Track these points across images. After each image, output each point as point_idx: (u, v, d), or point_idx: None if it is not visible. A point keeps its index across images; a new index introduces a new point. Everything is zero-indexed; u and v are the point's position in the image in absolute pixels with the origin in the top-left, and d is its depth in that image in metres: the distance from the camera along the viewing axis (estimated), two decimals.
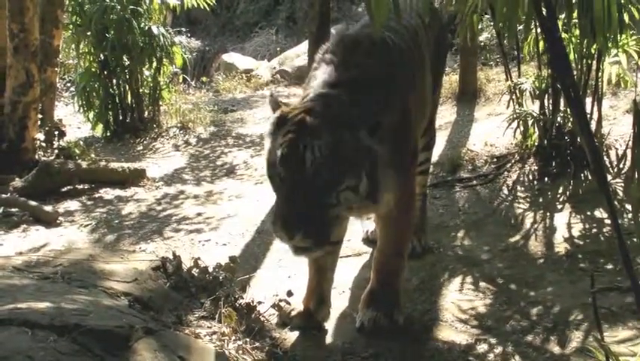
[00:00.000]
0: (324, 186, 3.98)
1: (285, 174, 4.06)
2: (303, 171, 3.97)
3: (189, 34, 15.60)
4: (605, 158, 7.53)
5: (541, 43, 7.66)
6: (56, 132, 10.59)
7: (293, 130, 4.06)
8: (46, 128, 10.42)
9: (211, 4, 12.53)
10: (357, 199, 4.12)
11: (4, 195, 8.48)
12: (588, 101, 7.48)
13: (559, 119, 7.68)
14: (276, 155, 4.09)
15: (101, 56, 12.11)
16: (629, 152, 7.11)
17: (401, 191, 4.72)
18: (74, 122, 12.91)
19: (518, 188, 7.66)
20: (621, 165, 7.40)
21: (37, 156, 9.85)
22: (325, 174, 3.97)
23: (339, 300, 5.44)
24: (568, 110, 7.37)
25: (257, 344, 4.35)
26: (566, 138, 7.70)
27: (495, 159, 8.49)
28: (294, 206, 3.94)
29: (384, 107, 4.36)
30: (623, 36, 7.44)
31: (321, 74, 4.64)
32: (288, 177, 4.05)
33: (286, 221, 3.94)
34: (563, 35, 6.80)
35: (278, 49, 18.44)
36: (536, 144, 7.97)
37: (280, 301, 5.10)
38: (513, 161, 8.22)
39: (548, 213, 6.91)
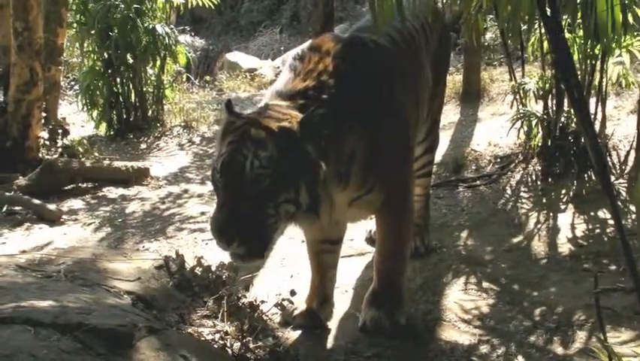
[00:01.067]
0: (262, 197, 3.96)
1: (224, 183, 4.04)
2: (242, 181, 3.96)
3: (193, 33, 15.63)
4: (609, 158, 7.53)
5: (545, 44, 7.65)
6: (60, 131, 10.61)
7: (236, 140, 4.05)
8: (50, 127, 10.43)
9: (215, 2, 12.55)
10: (298, 212, 4.11)
11: (7, 194, 8.49)
12: (592, 101, 7.48)
13: (562, 119, 7.68)
14: (217, 163, 4.09)
15: (105, 54, 12.14)
16: (632, 152, 7.12)
17: (394, 193, 4.74)
18: (78, 120, 12.92)
19: (522, 188, 7.66)
20: (625, 166, 7.39)
21: (40, 155, 9.85)
22: (264, 186, 3.96)
23: (342, 299, 5.44)
24: (572, 110, 7.37)
25: (260, 343, 4.35)
26: (570, 138, 7.70)
27: (499, 159, 8.48)
28: (230, 214, 3.92)
29: (342, 118, 4.35)
30: (627, 36, 7.44)
31: (279, 83, 4.67)
32: (226, 186, 4.03)
33: (221, 228, 3.94)
34: (567, 36, 6.80)
35: (282, 48, 18.42)
36: (540, 144, 7.96)
37: (283, 300, 5.09)
38: (517, 161, 8.22)
39: (552, 214, 6.90)
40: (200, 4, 12.52)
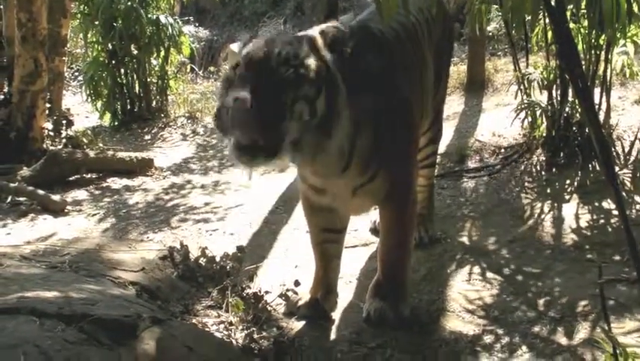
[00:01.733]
0: (283, 84, 3.92)
1: (247, 70, 3.97)
2: (266, 67, 3.94)
3: (197, 24, 15.62)
4: (613, 149, 7.52)
5: (549, 34, 7.64)
6: (64, 121, 10.61)
7: (271, 38, 4.12)
8: (54, 118, 10.44)
9: None
10: (313, 122, 4.00)
11: (12, 184, 8.49)
12: (597, 91, 7.46)
13: (567, 109, 7.66)
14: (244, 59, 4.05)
15: (109, 45, 12.16)
16: (637, 143, 7.11)
17: (398, 183, 4.73)
18: (82, 111, 12.93)
19: (526, 179, 7.65)
20: (629, 156, 7.39)
21: (45, 145, 9.87)
22: (286, 74, 3.94)
23: (347, 290, 5.44)
24: (576, 100, 7.35)
25: (264, 333, 4.36)
26: (574, 128, 7.68)
27: (503, 150, 8.47)
28: (251, 98, 3.81)
29: (352, 84, 4.33)
30: (632, 27, 7.43)
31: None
32: (249, 74, 3.94)
33: (241, 117, 3.77)
34: (572, 26, 6.79)
35: None
36: (544, 134, 7.94)
37: (287, 290, 5.10)
38: (521, 151, 8.20)
39: (556, 204, 6.89)
40: None
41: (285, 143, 3.92)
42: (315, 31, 4.30)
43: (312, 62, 4.06)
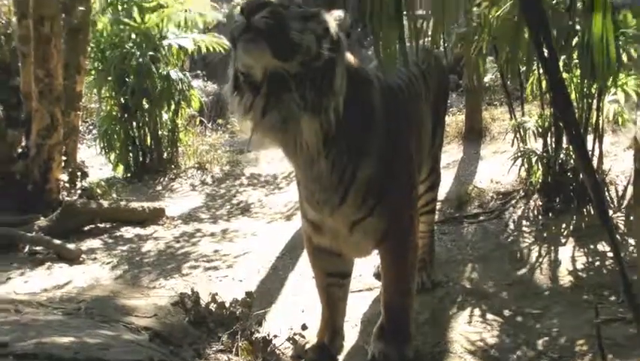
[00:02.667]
0: (293, 10, 3.96)
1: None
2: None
3: (206, 78, 15.69)
4: (607, 193, 7.53)
5: (543, 83, 7.68)
6: (79, 173, 10.64)
7: None
8: (70, 170, 10.47)
9: (226, 48, 12.59)
10: (315, 60, 3.95)
11: (29, 234, 8.50)
12: (589, 138, 7.49)
13: (562, 156, 7.69)
14: None
15: (122, 100, 12.21)
16: (630, 187, 7.11)
17: (396, 224, 4.69)
18: (96, 163, 12.96)
19: (523, 223, 7.66)
20: (622, 200, 7.39)
21: (61, 197, 9.88)
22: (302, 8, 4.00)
23: (352, 333, 5.43)
24: (570, 147, 7.38)
25: None
26: (569, 174, 7.71)
27: (501, 196, 8.48)
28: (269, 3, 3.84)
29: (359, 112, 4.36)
30: (622, 76, 7.48)
31: None
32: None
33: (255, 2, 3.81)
34: (565, 75, 6.82)
35: None
36: (540, 180, 7.97)
37: (295, 334, 5.09)
38: (518, 197, 8.22)
39: (553, 247, 6.89)
40: (211, 49, 12.58)
41: (290, 52, 3.89)
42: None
43: (321, 16, 4.08)
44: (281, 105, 4.01)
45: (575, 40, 6.19)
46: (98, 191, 10.54)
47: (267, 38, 3.79)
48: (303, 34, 3.90)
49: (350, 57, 4.50)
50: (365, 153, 4.43)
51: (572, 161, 7.60)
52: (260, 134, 4.16)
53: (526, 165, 8.10)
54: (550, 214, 7.65)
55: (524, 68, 6.93)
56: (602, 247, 6.61)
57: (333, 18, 4.18)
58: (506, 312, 5.69)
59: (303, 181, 4.58)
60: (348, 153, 4.36)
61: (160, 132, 12.64)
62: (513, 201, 8.18)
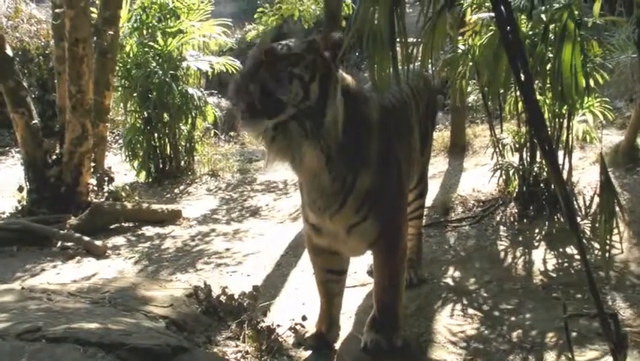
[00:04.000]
0: (283, 63, 4.00)
1: (253, 53, 4.10)
2: (270, 51, 4.01)
3: (220, 95, 15.66)
4: (575, 202, 7.52)
5: (520, 104, 7.68)
6: (106, 178, 10.64)
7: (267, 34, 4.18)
8: (98, 175, 10.47)
9: (238, 69, 12.59)
10: (305, 102, 4.03)
11: (61, 231, 8.52)
12: (560, 153, 7.48)
13: (535, 169, 7.69)
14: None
15: (145, 113, 12.23)
16: (596, 197, 7.11)
17: (388, 230, 4.71)
18: (121, 169, 12.96)
19: (501, 228, 7.65)
20: (589, 209, 7.39)
21: (89, 198, 9.89)
22: (286, 54, 4.04)
23: (347, 324, 5.42)
24: (543, 161, 7.38)
25: None
26: (542, 185, 7.71)
27: (481, 203, 8.47)
28: (254, 70, 3.96)
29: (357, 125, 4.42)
30: (590, 98, 7.48)
31: None
32: (254, 56, 4.07)
33: (244, 77, 3.98)
34: (539, 97, 6.83)
35: None
36: (516, 190, 7.97)
37: (296, 324, 5.09)
38: (497, 205, 8.21)
39: (527, 250, 6.89)
40: (225, 70, 12.59)
41: (277, 111, 4.00)
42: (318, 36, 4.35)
43: (310, 53, 4.11)
44: (286, 133, 4.11)
45: (549, 66, 6.19)
46: (123, 194, 10.55)
47: (259, 113, 3.97)
48: (290, 87, 3.99)
49: (349, 78, 4.52)
50: (363, 165, 4.45)
51: (544, 173, 7.60)
52: (270, 157, 4.22)
53: (504, 177, 8.09)
54: (524, 220, 7.65)
55: (503, 91, 6.93)
56: (571, 250, 6.62)
57: (329, 43, 4.19)
58: (485, 307, 5.69)
59: (306, 190, 4.62)
60: (347, 166, 4.38)
61: (178, 143, 12.66)
62: (492, 209, 8.17)
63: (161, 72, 11.99)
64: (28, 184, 9.99)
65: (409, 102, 5.47)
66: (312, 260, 5.14)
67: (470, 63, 7.37)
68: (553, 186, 7.35)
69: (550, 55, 6.08)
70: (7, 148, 16.11)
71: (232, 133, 15.81)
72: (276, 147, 4.19)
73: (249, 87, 3.94)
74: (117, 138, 15.67)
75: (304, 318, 5.17)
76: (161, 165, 12.58)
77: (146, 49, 12.28)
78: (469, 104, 12.59)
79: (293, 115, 4.05)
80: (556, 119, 7.49)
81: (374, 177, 4.51)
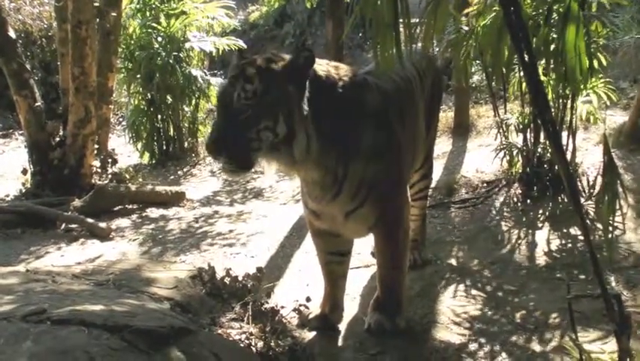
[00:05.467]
0: (245, 122, 4.00)
1: (219, 109, 4.19)
2: (230, 109, 4.03)
3: (224, 77, 15.62)
4: (579, 183, 7.51)
5: (524, 85, 7.65)
6: (110, 160, 10.66)
7: (233, 75, 4.14)
8: (102, 157, 10.48)
9: (242, 49, 12.58)
10: (276, 140, 4.08)
11: (65, 214, 8.55)
12: (564, 134, 7.46)
13: (539, 149, 7.67)
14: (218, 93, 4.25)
15: (148, 95, 12.26)
16: (599, 178, 7.10)
17: (387, 212, 4.72)
18: (125, 151, 12.97)
19: (505, 209, 7.64)
20: (593, 190, 7.38)
21: (93, 180, 9.91)
22: (247, 114, 4.00)
23: (351, 305, 5.43)
24: (547, 142, 7.37)
25: (280, 342, 4.35)
26: (546, 166, 7.69)
27: (485, 184, 8.47)
28: (220, 134, 4.02)
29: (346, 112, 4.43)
30: (593, 79, 7.46)
31: None
32: (219, 112, 4.17)
33: (211, 144, 4.03)
34: (542, 78, 6.80)
35: None
36: (520, 171, 7.95)
37: (300, 305, 5.10)
38: (500, 185, 8.21)
39: (530, 231, 6.89)
40: (229, 49, 12.57)
41: (254, 159, 4.13)
42: (280, 62, 4.25)
43: (269, 96, 4.07)
44: (275, 157, 4.24)
45: (552, 47, 6.17)
46: (127, 176, 10.60)
47: (239, 166, 4.12)
48: (260, 133, 4.06)
49: (343, 68, 4.53)
50: (356, 154, 4.45)
51: (548, 154, 7.58)
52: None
53: (507, 157, 8.08)
54: (528, 201, 7.64)
55: (506, 71, 6.91)
56: (574, 230, 6.62)
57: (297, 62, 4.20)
58: (488, 288, 5.69)
59: (301, 181, 4.74)
60: (336, 159, 4.40)
61: (182, 124, 12.69)
62: (496, 189, 8.17)
63: (164, 54, 12.00)
64: (31, 167, 10.02)
65: (414, 83, 5.46)
66: (315, 242, 5.15)
67: (474, 44, 7.35)
68: (556, 167, 7.34)
69: (554, 36, 6.06)
70: (11, 131, 16.17)
71: None
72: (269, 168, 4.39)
73: (220, 147, 4.04)
74: (121, 119, 15.71)
75: (308, 299, 5.18)
76: (164, 147, 12.62)
77: (149, 30, 12.29)
78: (473, 85, 12.56)
79: (267, 149, 4.14)
80: (560, 100, 7.48)
81: (369, 163, 4.49)
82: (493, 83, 8.43)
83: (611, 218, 3.35)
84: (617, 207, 3.30)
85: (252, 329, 4.40)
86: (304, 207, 4.93)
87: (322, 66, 4.40)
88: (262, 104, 4.03)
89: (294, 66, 4.16)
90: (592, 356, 3.44)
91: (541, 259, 6.20)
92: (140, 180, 10.90)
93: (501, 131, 8.17)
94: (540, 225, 7.03)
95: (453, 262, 6.39)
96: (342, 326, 5.06)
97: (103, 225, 8.25)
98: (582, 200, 7.18)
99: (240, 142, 4.01)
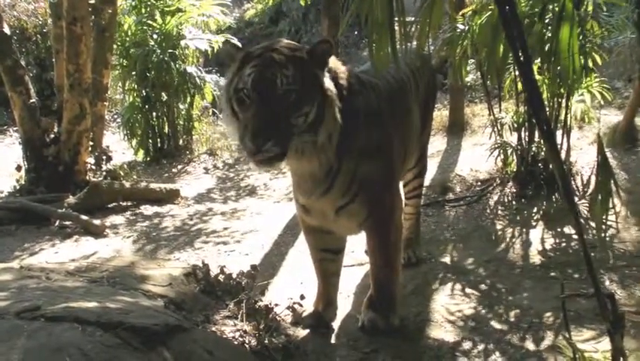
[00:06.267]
0: (290, 107, 3.97)
1: (257, 96, 4.00)
2: (274, 94, 3.97)
3: (219, 74, 15.60)
4: (573, 182, 7.53)
5: (519, 84, 7.67)
6: (104, 157, 10.67)
7: (260, 63, 4.07)
8: (96, 154, 10.49)
9: (237, 47, 12.53)
10: (305, 126, 4.06)
11: (59, 210, 8.53)
12: (559, 133, 7.48)
13: (534, 148, 7.69)
14: (246, 82, 4.06)
15: (143, 92, 12.25)
16: (593, 177, 7.12)
17: (378, 209, 4.71)
18: (120, 148, 12.96)
19: (499, 208, 7.66)
20: (587, 189, 7.40)
21: (87, 177, 9.91)
22: (291, 98, 3.98)
23: (345, 303, 5.44)
24: (541, 141, 7.38)
25: (274, 340, 4.35)
26: (540, 165, 7.71)
27: (479, 183, 8.48)
28: (268, 120, 3.91)
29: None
30: (588, 78, 7.48)
31: None
32: (260, 99, 3.99)
33: (260, 131, 3.89)
34: (537, 77, 6.82)
35: None
36: (514, 170, 7.97)
37: (294, 303, 5.09)
38: (494, 184, 8.22)
39: (524, 229, 6.90)
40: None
41: (289, 147, 4.05)
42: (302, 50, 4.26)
43: (308, 81, 4.08)
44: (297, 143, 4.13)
45: (547, 46, 6.18)
46: (121, 173, 10.60)
47: (282, 152, 4.00)
48: (298, 118, 4.03)
49: (339, 66, 4.53)
50: (350, 151, 4.44)
51: (542, 153, 7.60)
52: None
53: (502, 156, 8.10)
54: (522, 200, 7.66)
55: (501, 70, 6.92)
56: (568, 229, 6.64)
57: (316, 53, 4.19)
58: (482, 286, 5.70)
59: (293, 173, 4.76)
60: (334, 154, 4.38)
61: (176, 121, 12.69)
62: (490, 188, 8.18)
63: (159, 51, 11.99)
64: (26, 163, 10.01)
65: (408, 82, 5.46)
66: (307, 240, 5.15)
67: (469, 43, 7.36)
68: (551, 166, 7.35)
69: (549, 34, 6.07)
70: (5, 127, 16.13)
71: None
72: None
73: (269, 133, 3.92)
74: (115, 116, 15.69)
75: (302, 297, 5.18)
76: (159, 144, 12.61)
77: (145, 27, 12.27)
78: (468, 84, 12.57)
79: (297, 136, 4.09)
80: (555, 99, 7.49)
81: (361, 160, 4.51)
82: (488, 81, 8.44)
83: (604, 217, 3.36)
84: (611, 206, 3.31)
85: (245, 326, 4.40)
86: (296, 204, 4.93)
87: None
88: (304, 89, 4.04)
89: (315, 54, 4.18)
90: (585, 355, 3.45)
91: (535, 258, 6.21)
92: (135, 177, 10.90)
93: (496, 130, 8.18)
94: (534, 224, 7.05)
95: (447, 260, 6.39)
96: (336, 324, 5.06)
97: (97, 222, 8.24)
98: (576, 199, 7.20)
99: (286, 128, 3.99)
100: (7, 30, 9.80)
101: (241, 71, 4.15)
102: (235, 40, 12.07)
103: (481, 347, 4.63)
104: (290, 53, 4.15)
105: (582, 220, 6.62)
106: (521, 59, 2.77)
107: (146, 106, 12.37)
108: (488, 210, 7.66)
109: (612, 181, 3.27)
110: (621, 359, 2.86)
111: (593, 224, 6.41)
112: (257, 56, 4.16)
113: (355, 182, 4.53)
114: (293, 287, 5.80)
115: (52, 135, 10.00)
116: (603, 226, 3.84)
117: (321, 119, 4.12)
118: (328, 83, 4.20)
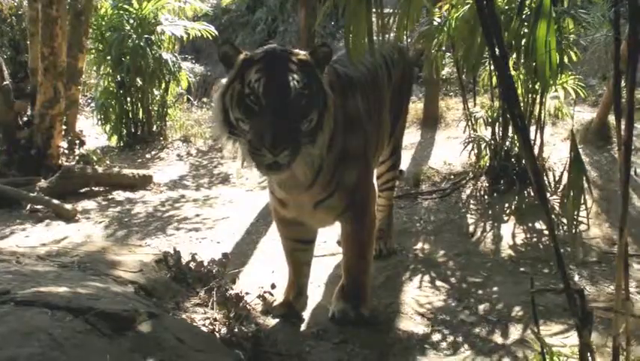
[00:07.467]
0: (302, 112, 3.94)
1: (269, 101, 3.89)
2: (288, 97, 3.90)
3: (194, 61, 15.58)
4: (545, 178, 7.57)
5: (494, 79, 7.69)
6: (77, 141, 10.61)
7: (268, 67, 3.99)
8: (69, 138, 10.42)
9: (213, 35, 12.52)
10: (307, 132, 4.01)
11: (31, 194, 8.47)
12: (532, 129, 7.52)
13: (507, 143, 7.73)
14: (254, 87, 3.94)
15: (118, 77, 12.18)
16: (565, 174, 7.16)
17: (355, 202, 4.72)
18: (93, 133, 12.89)
19: (471, 201, 7.69)
20: (559, 185, 7.44)
21: (60, 162, 9.85)
22: (302, 103, 3.94)
23: (316, 293, 5.44)
24: (515, 136, 7.41)
25: (244, 328, 4.34)
26: (513, 160, 7.75)
27: (452, 176, 8.51)
28: (284, 125, 3.82)
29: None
30: (563, 75, 7.52)
31: None
32: (272, 103, 3.89)
33: (279, 136, 3.78)
34: (512, 73, 6.84)
35: None
36: (487, 164, 8.00)
37: (264, 292, 5.09)
38: (467, 178, 8.25)
39: (496, 224, 6.94)
40: (200, 35, 12.53)
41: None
42: (307, 53, 4.23)
43: (315, 86, 4.06)
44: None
45: (524, 41, 6.20)
46: (94, 158, 10.53)
47: (294, 158, 3.95)
48: (305, 123, 4.00)
49: None
50: (330, 151, 4.42)
51: (516, 148, 7.64)
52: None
53: (475, 150, 8.13)
54: (495, 194, 7.69)
55: (477, 64, 6.94)
56: (539, 225, 6.68)
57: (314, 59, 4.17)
58: (452, 279, 5.73)
59: None
60: (322, 160, 4.38)
61: (151, 107, 12.64)
62: (463, 182, 8.21)
63: (135, 36, 11.93)
64: None
65: (382, 73, 5.46)
66: (280, 230, 5.15)
67: (446, 36, 7.37)
68: (524, 161, 7.39)
69: (526, 30, 6.09)
70: None
71: (205, 99, 15.75)
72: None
73: (285, 142, 3.84)
74: (89, 101, 15.60)
75: (273, 286, 5.17)
76: (133, 130, 12.56)
77: (121, 12, 12.19)
78: (443, 77, 12.60)
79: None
80: (530, 95, 7.52)
81: (342, 158, 4.53)
82: (464, 75, 8.46)
83: (576, 213, 3.38)
84: (582, 202, 3.34)
85: (216, 314, 4.40)
86: (270, 195, 4.91)
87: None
88: (312, 94, 4.01)
89: (317, 59, 4.15)
90: (553, 350, 3.48)
91: (505, 253, 6.25)
92: (108, 162, 10.85)
93: (470, 124, 8.21)
94: (506, 218, 7.09)
95: (418, 252, 6.41)
96: (306, 314, 5.06)
97: (69, 206, 8.18)
98: (548, 195, 7.24)
99: (298, 133, 3.95)
100: None
101: (243, 77, 4.05)
102: (212, 28, 12.16)
103: (450, 339, 4.66)
104: (295, 57, 4.11)
105: (553, 216, 6.65)
106: (497, 54, 2.77)
107: (121, 91, 12.31)
108: (460, 204, 7.69)
109: (584, 178, 3.29)
110: (589, 354, 2.88)
111: (564, 220, 6.45)
112: (260, 61, 4.08)
113: (335, 178, 4.55)
114: (264, 276, 5.79)
115: (25, 118, 9.94)
116: (574, 222, 3.86)
117: (320, 125, 4.10)
118: (328, 87, 4.20)
